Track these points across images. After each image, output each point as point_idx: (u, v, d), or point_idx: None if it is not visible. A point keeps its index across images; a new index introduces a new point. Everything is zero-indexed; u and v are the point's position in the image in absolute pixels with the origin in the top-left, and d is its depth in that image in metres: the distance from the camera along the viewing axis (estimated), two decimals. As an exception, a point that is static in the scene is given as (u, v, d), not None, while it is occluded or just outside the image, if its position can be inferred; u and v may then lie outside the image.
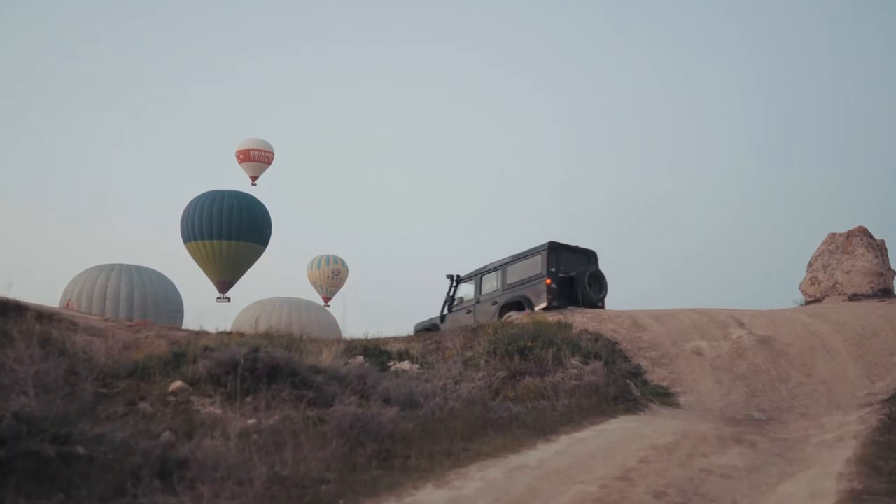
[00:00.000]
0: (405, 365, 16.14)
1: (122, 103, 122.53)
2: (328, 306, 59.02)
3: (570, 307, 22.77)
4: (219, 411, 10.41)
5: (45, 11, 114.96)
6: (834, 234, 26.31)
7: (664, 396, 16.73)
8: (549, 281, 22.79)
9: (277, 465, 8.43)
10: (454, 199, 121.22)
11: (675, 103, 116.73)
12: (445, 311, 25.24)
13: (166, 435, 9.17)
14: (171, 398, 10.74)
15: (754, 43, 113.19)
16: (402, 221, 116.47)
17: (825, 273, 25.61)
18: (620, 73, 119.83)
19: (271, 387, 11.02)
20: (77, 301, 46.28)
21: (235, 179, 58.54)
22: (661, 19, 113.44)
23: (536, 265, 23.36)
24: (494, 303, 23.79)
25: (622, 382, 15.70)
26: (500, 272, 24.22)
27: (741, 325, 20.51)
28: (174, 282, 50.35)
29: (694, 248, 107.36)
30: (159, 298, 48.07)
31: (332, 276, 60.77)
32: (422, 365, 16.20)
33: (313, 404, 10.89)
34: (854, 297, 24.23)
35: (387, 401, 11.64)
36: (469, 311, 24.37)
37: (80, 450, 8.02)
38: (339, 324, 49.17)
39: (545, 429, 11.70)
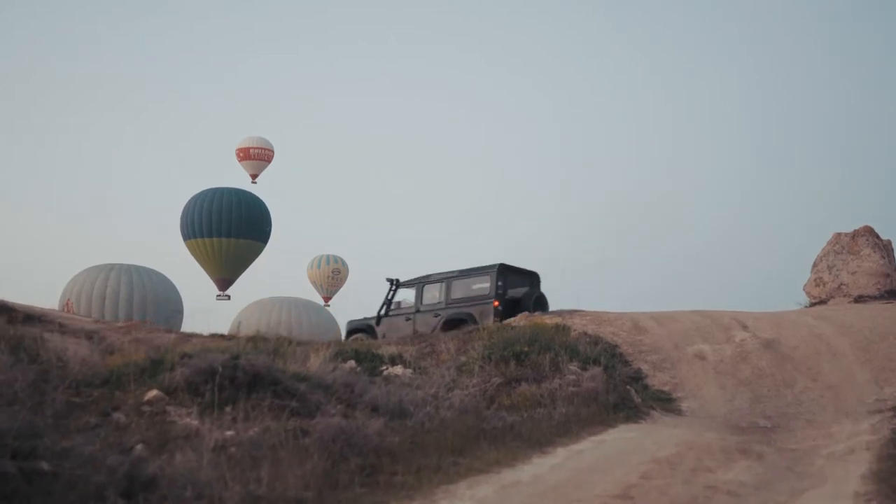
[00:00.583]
0: (398, 369, 15.66)
1: (121, 103, 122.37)
2: (328, 306, 59.69)
3: None
4: (196, 422, 9.81)
5: (45, 11, 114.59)
6: (839, 234, 25.86)
7: (666, 402, 16.18)
8: (496, 303, 22.78)
9: (252, 482, 7.84)
10: (454, 199, 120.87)
11: (676, 103, 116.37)
12: (382, 314, 24.93)
13: (139, 448, 8.65)
14: (147, 408, 10.13)
15: (755, 42, 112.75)
16: (402, 221, 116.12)
17: (830, 274, 25.13)
18: (620, 73, 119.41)
19: (252, 396, 10.40)
20: (76, 301, 46.24)
21: (236, 179, 58.40)
22: (661, 19, 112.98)
23: (485, 285, 23.33)
24: (437, 315, 23.65)
25: (622, 389, 15.11)
26: (444, 285, 24.09)
27: (745, 327, 20.04)
28: (174, 280, 50.20)
29: (695, 248, 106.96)
30: (159, 298, 48.04)
31: (332, 276, 61.07)
32: (415, 370, 15.66)
33: (296, 414, 10.30)
34: (860, 299, 23.77)
35: (375, 410, 11.06)
36: (408, 319, 24.25)
37: (45, 465, 7.47)
38: (341, 324, 49.69)
39: (541, 440, 11.10)
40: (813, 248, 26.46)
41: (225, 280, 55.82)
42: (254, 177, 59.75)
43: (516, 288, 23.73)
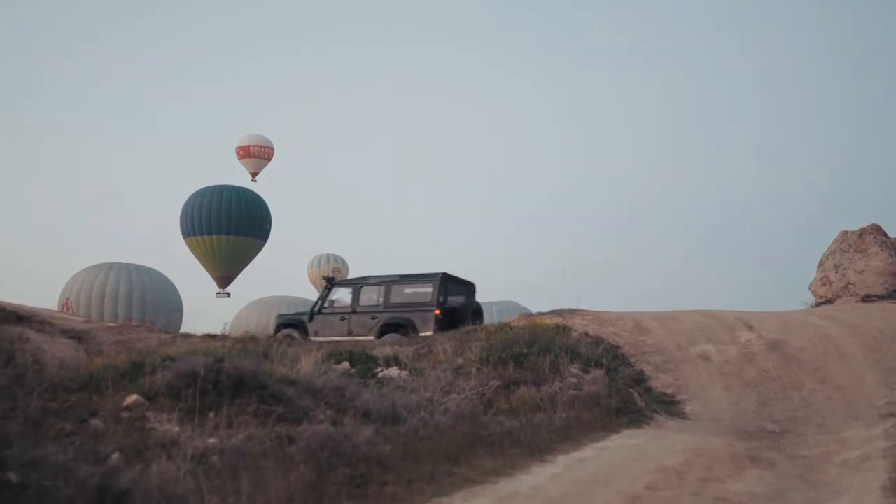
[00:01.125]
0: (393, 371, 15.19)
1: (121, 101, 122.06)
2: None
3: None
4: (176, 429, 9.27)
5: (45, 11, 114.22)
6: (846, 233, 25.42)
7: (670, 405, 15.78)
8: (437, 311, 22.76)
9: (232, 495, 7.33)
10: (453, 199, 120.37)
11: (677, 102, 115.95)
12: (317, 310, 24.71)
13: (115, 457, 8.17)
14: (126, 414, 9.59)
15: (756, 41, 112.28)
16: (401, 221, 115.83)
17: (837, 273, 24.68)
18: (621, 73, 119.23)
19: (236, 401, 9.87)
20: (76, 300, 46.38)
21: (236, 177, 58.23)
22: (662, 18, 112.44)
23: (426, 293, 23.34)
24: (374, 317, 23.51)
25: (625, 392, 14.62)
26: (383, 288, 24.03)
27: (750, 327, 19.66)
28: (174, 278, 50.08)
29: (697, 247, 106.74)
30: (158, 298, 48.13)
31: (331, 275, 59.54)
32: (411, 372, 15.14)
33: (283, 421, 9.76)
34: (867, 298, 23.35)
35: (366, 415, 10.54)
36: (344, 319, 24.04)
37: (13, 476, 7.01)
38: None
39: (541, 448, 10.53)
40: (819, 246, 26.01)
41: (225, 277, 55.74)
42: (254, 175, 59.59)
43: (455, 297, 23.79)
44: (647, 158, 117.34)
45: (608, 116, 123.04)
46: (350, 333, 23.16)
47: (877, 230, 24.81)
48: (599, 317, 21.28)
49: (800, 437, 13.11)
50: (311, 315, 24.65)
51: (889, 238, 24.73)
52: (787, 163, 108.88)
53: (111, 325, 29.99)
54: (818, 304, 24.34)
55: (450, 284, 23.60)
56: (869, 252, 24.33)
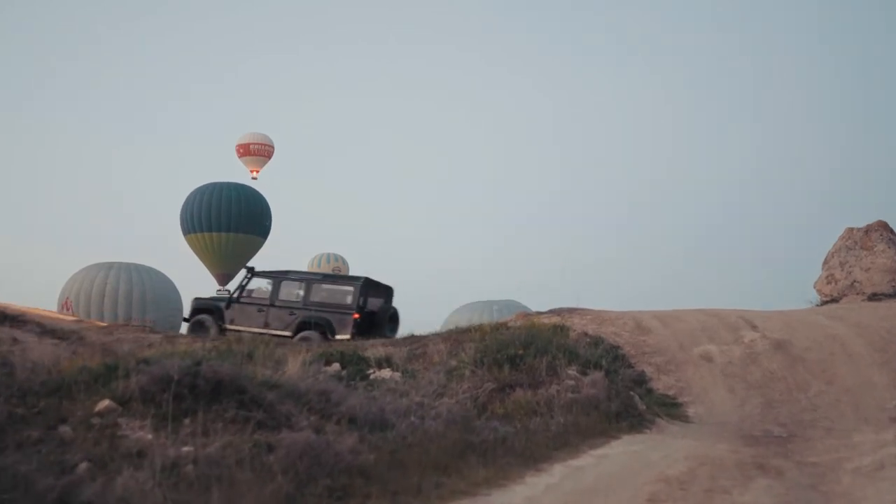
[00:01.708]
0: (386, 373, 14.84)
1: (121, 101, 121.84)
2: None
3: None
4: (149, 437, 8.72)
5: (45, 11, 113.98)
6: (851, 229, 24.96)
7: (672, 408, 15.44)
8: (356, 315, 23.19)
9: (203, 509, 6.81)
10: (454, 199, 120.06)
11: (678, 101, 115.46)
12: (235, 297, 24.71)
13: (82, 467, 7.66)
14: (97, 420, 9.03)
15: (755, 42, 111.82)
16: (401, 220, 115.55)
17: (842, 271, 24.23)
18: (621, 73, 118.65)
19: (213, 407, 9.31)
20: (75, 299, 46.36)
21: (236, 175, 58.25)
22: (662, 19, 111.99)
23: (347, 296, 23.73)
24: (293, 313, 23.72)
25: (625, 394, 14.10)
26: (304, 285, 24.36)
27: (753, 327, 19.27)
28: (174, 275, 49.95)
29: (699, 245, 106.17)
30: (158, 296, 48.12)
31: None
32: (404, 373, 14.66)
33: (263, 427, 9.21)
34: (874, 297, 22.91)
35: (352, 421, 9.97)
36: (261, 310, 24.10)
37: (-34, 489, 6.52)
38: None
39: (536, 455, 9.99)
40: (823, 243, 25.52)
41: (225, 275, 55.23)
42: (254, 172, 59.82)
43: (374, 301, 24.30)
44: (648, 157, 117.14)
45: (609, 115, 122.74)
46: (267, 326, 23.52)
47: (883, 227, 24.37)
48: (599, 316, 20.93)
49: (808, 441, 12.63)
50: (229, 302, 24.61)
51: (896, 235, 24.26)
52: (790, 160, 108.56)
53: (102, 324, 29.57)
54: (823, 303, 23.89)
55: (369, 289, 24.05)
56: (875, 249, 23.89)
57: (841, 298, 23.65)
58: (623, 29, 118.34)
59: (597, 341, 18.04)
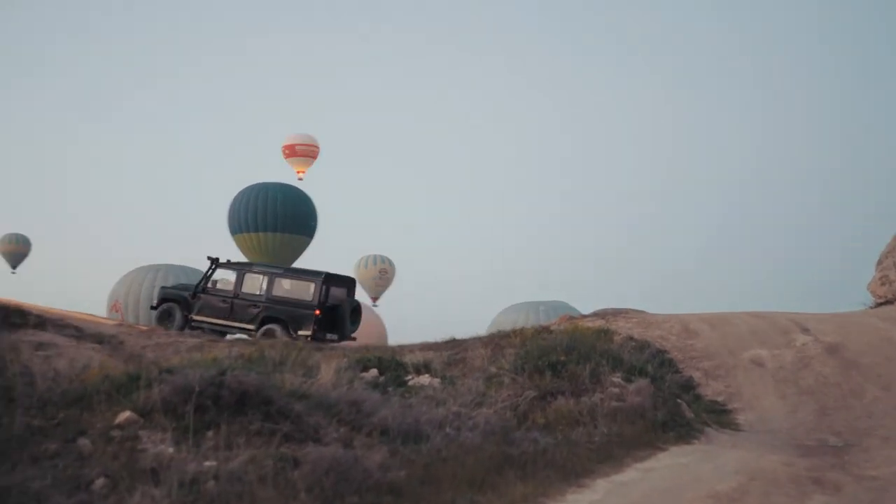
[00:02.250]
0: (424, 379, 14.34)
1: (169, 100, 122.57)
2: (376, 306, 60.03)
3: (328, 335, 23.81)
4: (170, 450, 8.30)
5: (91, 9, 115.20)
6: (906, 229, 24.24)
7: (721, 415, 14.92)
8: (318, 312, 23.40)
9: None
10: (504, 197, 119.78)
11: (731, 96, 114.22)
12: (201, 288, 24.90)
13: (99, 483, 7.33)
14: (117, 433, 8.63)
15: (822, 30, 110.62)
16: (449, 220, 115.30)
17: (897, 272, 23.49)
18: (673, 68, 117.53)
19: (238, 419, 8.89)
20: (124, 302, 46.73)
21: (282, 175, 58.67)
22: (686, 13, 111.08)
23: (308, 291, 23.89)
24: (256, 306, 23.87)
25: (672, 402, 13.56)
26: (267, 279, 24.40)
27: (805, 330, 18.78)
28: None
29: (748, 245, 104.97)
30: None
31: (378, 276, 61.33)
32: (443, 379, 14.19)
33: (290, 440, 8.78)
34: (929, 299, 22.14)
35: (384, 433, 9.52)
36: (226, 302, 24.27)
37: (-24, 507, 6.24)
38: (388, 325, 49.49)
39: (577, 469, 9.49)
40: (877, 243, 24.86)
41: None
42: (300, 173, 59.70)
43: (336, 294, 24.41)
44: (701, 156, 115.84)
45: (656, 113, 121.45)
46: (231, 318, 23.90)
47: (940, 226, 23.73)
48: (645, 319, 20.54)
49: (865, 452, 12.06)
50: (195, 293, 24.79)
51: (953, 234, 23.61)
52: (843, 159, 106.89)
53: (143, 328, 29.33)
54: (878, 305, 23.22)
55: (331, 284, 24.19)
56: (931, 249, 23.25)
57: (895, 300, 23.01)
58: (647, 26, 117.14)
59: (642, 346, 17.59)
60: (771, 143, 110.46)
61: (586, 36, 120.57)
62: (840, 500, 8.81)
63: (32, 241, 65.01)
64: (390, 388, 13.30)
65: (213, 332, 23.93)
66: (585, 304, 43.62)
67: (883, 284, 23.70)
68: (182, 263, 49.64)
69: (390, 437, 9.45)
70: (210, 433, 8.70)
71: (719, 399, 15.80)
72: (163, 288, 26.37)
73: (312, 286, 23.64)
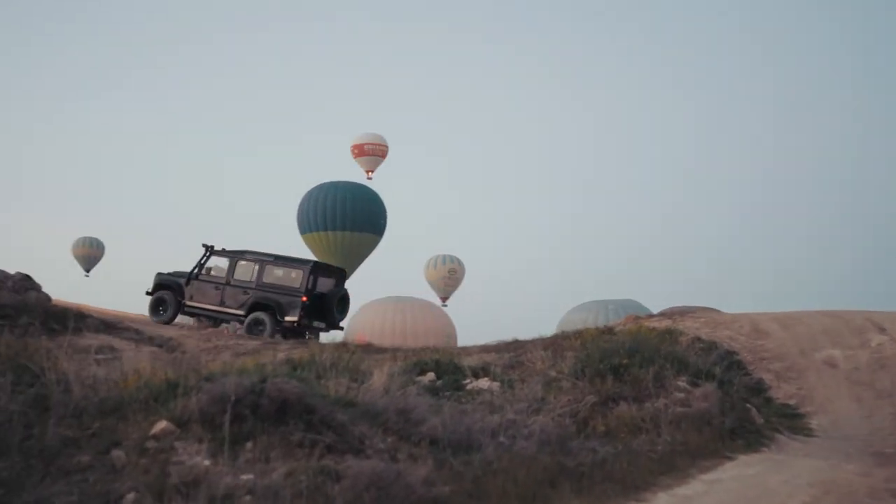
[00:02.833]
0: (483, 383, 13.87)
1: (237, 102, 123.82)
2: (446, 306, 60.21)
3: (315, 322, 24.84)
4: (206, 463, 7.88)
5: (160, 13, 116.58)
6: None
7: (792, 419, 14.39)
8: (305, 298, 24.13)
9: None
10: (574, 197, 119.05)
11: (809, 96, 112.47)
12: (194, 275, 25.55)
13: (130, 499, 6.92)
14: (152, 444, 8.22)
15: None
16: (518, 219, 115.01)
17: (978, 268, 22.66)
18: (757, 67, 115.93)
19: (279, 429, 8.44)
20: None
21: (352, 176, 59.61)
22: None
23: (296, 279, 24.65)
24: (246, 293, 24.61)
25: (741, 407, 12.96)
26: (258, 266, 25.03)
27: (881, 330, 18.25)
28: None
29: (820, 242, 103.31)
30: None
31: (448, 276, 61.26)
32: (502, 383, 13.77)
33: (333, 451, 8.32)
34: None
35: (434, 443, 9.02)
36: (218, 289, 25.07)
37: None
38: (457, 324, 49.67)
39: (637, 482, 8.90)
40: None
41: None
42: (369, 172, 60.38)
43: (325, 283, 25.12)
44: (770, 154, 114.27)
45: (733, 112, 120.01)
46: (222, 304, 24.75)
47: None
48: (713, 319, 20.05)
49: (948, 461, 11.34)
50: (188, 279, 25.50)
51: None
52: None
53: (203, 330, 29.31)
54: (958, 303, 22.39)
55: (319, 272, 25.08)
56: None
57: (976, 297, 22.20)
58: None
59: (710, 347, 17.06)
60: (848, 145, 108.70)
61: (650, 30, 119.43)
62: (923, 517, 8.18)
63: (105, 244, 65.70)
64: (447, 393, 12.89)
65: (207, 318, 25.30)
66: (658, 303, 42.98)
67: (963, 281, 22.95)
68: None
69: (440, 448, 8.97)
70: (249, 444, 8.28)
71: (791, 402, 15.38)
72: (158, 274, 26.77)
73: (301, 273, 24.41)
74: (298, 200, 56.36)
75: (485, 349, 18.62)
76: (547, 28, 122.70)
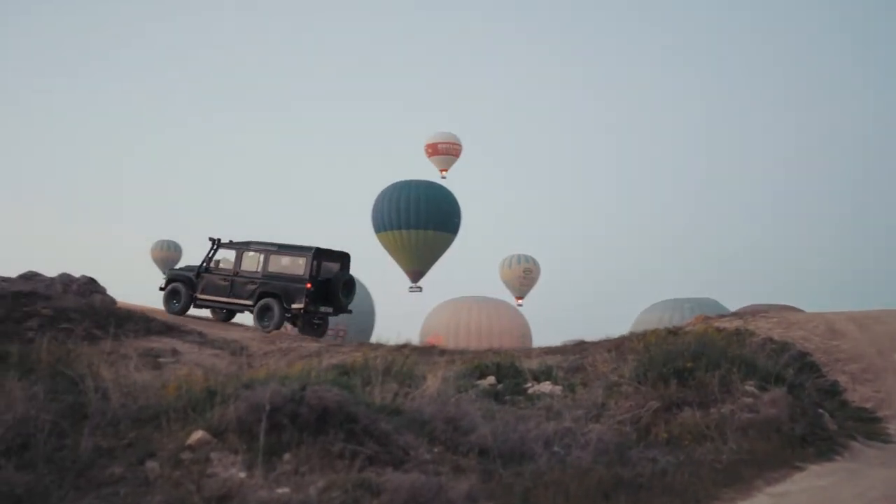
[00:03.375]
0: (545, 387, 13.48)
1: (314, 102, 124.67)
2: (521, 305, 60.52)
3: (322, 307, 24.92)
4: (242, 475, 7.53)
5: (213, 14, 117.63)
6: None
7: (868, 423, 13.73)
8: (309, 285, 24.21)
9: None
10: (651, 195, 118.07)
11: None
12: (204, 268, 25.76)
13: None
14: (187, 455, 7.87)
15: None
16: (592, 218, 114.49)
17: None
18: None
19: (319, 438, 8.04)
20: None
21: (426, 175, 60.86)
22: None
23: (300, 266, 24.75)
24: (253, 283, 24.83)
25: (812, 413, 12.25)
26: (263, 256, 25.23)
27: None
28: (365, 276, 50.86)
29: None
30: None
31: (523, 276, 61.35)
32: (565, 387, 13.43)
33: (376, 462, 7.92)
34: None
35: (483, 453, 8.57)
36: (227, 280, 25.29)
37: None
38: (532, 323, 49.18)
39: (699, 495, 8.37)
40: None
41: (417, 272, 57.52)
42: (443, 171, 60.89)
43: (329, 269, 25.20)
44: (850, 151, 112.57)
45: (816, 109, 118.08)
46: (231, 295, 24.96)
47: None
48: (786, 319, 19.51)
49: None
50: (199, 273, 25.70)
51: None
52: None
53: (268, 332, 29.16)
54: None
55: (323, 258, 25.03)
56: None
57: None
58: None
59: (782, 348, 16.41)
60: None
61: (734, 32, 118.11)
62: None
63: (183, 247, 66.15)
64: (507, 398, 12.46)
65: (219, 310, 25.61)
66: (738, 302, 42.06)
67: None
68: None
69: (489, 458, 8.53)
70: (287, 455, 7.91)
71: (867, 406, 14.75)
72: (170, 269, 27.79)
73: (304, 260, 24.49)
74: (373, 199, 57.02)
75: (549, 351, 18.19)
76: (625, 28, 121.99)
